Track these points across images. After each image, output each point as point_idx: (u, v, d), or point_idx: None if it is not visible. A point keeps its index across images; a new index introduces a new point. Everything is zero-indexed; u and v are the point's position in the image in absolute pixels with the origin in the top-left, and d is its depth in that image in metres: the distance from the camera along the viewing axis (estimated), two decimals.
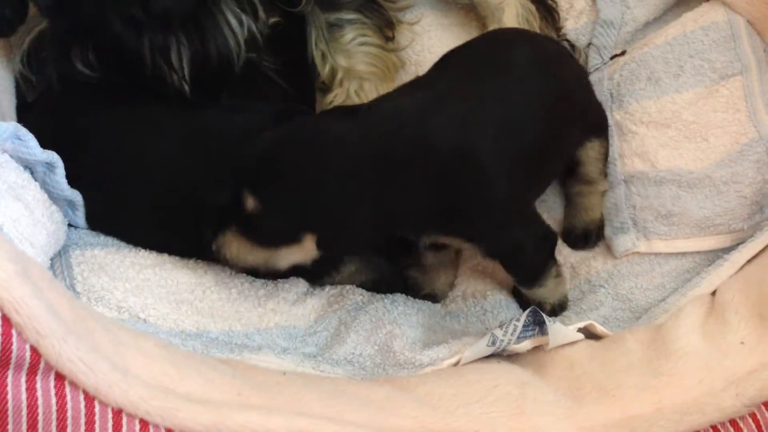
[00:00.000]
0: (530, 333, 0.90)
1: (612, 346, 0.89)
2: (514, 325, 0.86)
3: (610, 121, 1.09)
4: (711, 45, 1.10)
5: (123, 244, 0.91)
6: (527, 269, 0.96)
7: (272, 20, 0.96)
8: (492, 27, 1.20)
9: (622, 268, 1.02)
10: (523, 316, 0.86)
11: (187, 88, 0.90)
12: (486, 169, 0.84)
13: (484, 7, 1.22)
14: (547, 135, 0.91)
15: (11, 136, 0.75)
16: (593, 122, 1.04)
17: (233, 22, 0.90)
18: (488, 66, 0.93)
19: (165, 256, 0.91)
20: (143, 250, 0.91)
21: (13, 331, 0.55)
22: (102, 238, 0.92)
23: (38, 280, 0.58)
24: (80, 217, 0.92)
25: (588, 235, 1.05)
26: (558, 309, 1.01)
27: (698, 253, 1.02)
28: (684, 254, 1.01)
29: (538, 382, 0.83)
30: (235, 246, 0.81)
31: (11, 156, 0.77)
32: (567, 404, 0.80)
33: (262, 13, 0.94)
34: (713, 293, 0.96)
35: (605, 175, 1.05)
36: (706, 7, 1.15)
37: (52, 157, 0.82)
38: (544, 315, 0.86)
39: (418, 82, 0.94)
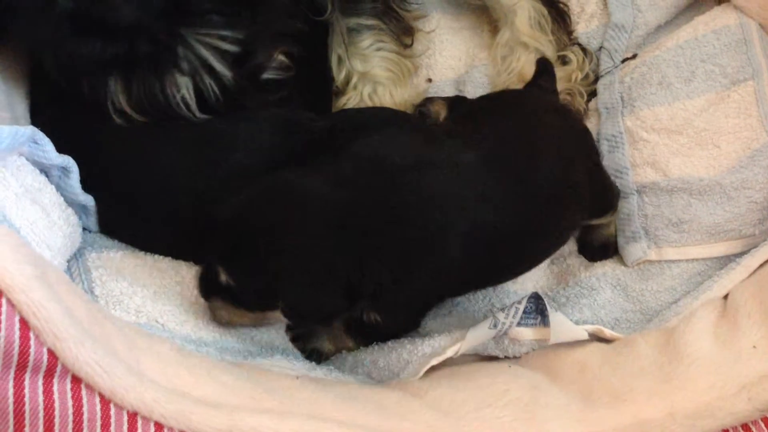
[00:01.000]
0: (532, 321, 0.90)
1: (624, 351, 0.89)
2: (516, 307, 0.87)
3: (621, 128, 1.09)
4: (722, 49, 1.09)
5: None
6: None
7: (279, 58, 0.94)
8: (504, 30, 1.21)
9: (635, 272, 1.02)
10: (524, 300, 0.87)
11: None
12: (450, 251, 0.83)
13: (496, 9, 1.22)
14: (534, 224, 0.89)
15: (28, 140, 0.76)
16: (600, 206, 1.02)
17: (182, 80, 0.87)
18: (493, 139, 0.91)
19: (181, 262, 0.92)
20: (155, 254, 0.91)
21: (31, 335, 0.55)
22: (114, 241, 0.93)
23: (55, 283, 0.59)
24: (93, 222, 0.92)
25: (606, 248, 1.05)
26: None
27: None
28: (695, 258, 1.01)
29: (549, 387, 0.83)
30: (224, 312, 0.82)
31: (27, 159, 0.77)
32: (578, 408, 0.80)
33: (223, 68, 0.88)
34: (725, 297, 0.96)
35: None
36: (717, 11, 1.14)
37: (68, 161, 0.82)
38: (546, 303, 0.87)
39: (398, 138, 0.91)
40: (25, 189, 0.74)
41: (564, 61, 1.19)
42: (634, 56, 1.18)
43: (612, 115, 1.11)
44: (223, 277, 0.78)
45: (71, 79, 0.85)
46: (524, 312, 0.88)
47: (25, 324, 0.55)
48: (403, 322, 0.93)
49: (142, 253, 0.91)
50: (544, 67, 1.08)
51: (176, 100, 0.84)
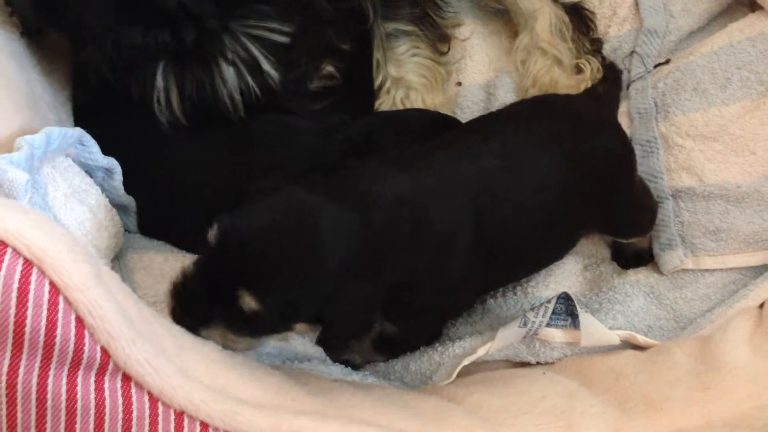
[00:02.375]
0: (562, 323, 0.90)
1: (659, 359, 0.89)
2: (546, 307, 0.87)
3: (656, 134, 1.08)
4: (758, 56, 1.09)
5: (175, 249, 0.93)
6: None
7: (326, 69, 0.94)
8: (523, 35, 1.21)
9: (670, 279, 1.01)
10: (554, 300, 0.87)
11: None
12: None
13: (517, 14, 1.23)
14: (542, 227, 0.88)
15: (76, 142, 0.77)
16: (634, 229, 0.99)
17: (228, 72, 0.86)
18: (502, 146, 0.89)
19: None
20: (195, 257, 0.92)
21: (86, 333, 0.56)
22: (153, 242, 0.94)
23: (108, 282, 0.60)
24: (132, 222, 0.94)
25: (640, 257, 1.05)
26: None
27: None
28: (732, 267, 1.01)
29: (585, 394, 0.83)
30: (221, 338, 0.75)
31: (74, 161, 0.79)
32: (615, 416, 0.80)
33: (269, 68, 0.88)
34: (761, 306, 0.95)
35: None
36: (752, 18, 1.14)
37: (112, 162, 0.84)
38: (575, 304, 0.87)
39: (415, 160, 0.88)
40: (73, 190, 0.75)
41: (578, 69, 1.20)
42: (667, 61, 1.18)
43: (645, 120, 1.11)
44: (249, 303, 0.71)
45: (119, 74, 0.85)
46: (554, 312, 0.88)
47: (80, 322, 0.56)
48: (420, 330, 0.92)
49: (182, 255, 0.92)
50: (612, 75, 1.07)
51: (223, 93, 0.84)
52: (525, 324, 0.88)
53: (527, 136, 0.89)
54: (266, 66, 0.87)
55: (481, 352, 0.89)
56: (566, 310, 0.89)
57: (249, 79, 0.86)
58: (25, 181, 0.64)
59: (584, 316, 0.89)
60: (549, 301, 0.88)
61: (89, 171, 0.83)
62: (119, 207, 0.89)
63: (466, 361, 0.89)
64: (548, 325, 0.88)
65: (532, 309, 0.90)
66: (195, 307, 0.72)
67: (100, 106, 0.98)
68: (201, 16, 0.80)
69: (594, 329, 0.89)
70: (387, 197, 0.79)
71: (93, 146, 0.80)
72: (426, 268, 0.80)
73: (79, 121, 0.98)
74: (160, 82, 0.85)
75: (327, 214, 0.75)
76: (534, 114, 0.95)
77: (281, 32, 0.87)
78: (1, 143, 0.77)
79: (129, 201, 0.89)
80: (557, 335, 0.90)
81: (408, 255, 0.78)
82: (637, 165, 1.06)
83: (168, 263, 0.90)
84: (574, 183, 0.87)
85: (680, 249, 1.01)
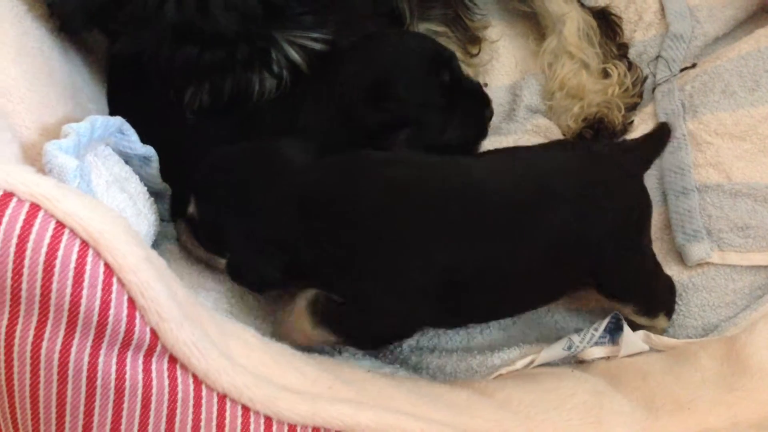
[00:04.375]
0: (602, 340, 0.91)
1: (685, 361, 0.89)
2: (592, 333, 0.87)
3: (684, 131, 1.09)
4: None
5: None
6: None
7: None
8: (551, 38, 1.23)
9: (697, 280, 1.01)
10: (602, 325, 0.87)
11: None
12: None
13: (545, 18, 1.25)
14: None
15: (117, 130, 0.78)
16: (648, 304, 0.93)
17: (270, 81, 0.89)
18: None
19: None
20: None
21: (137, 314, 0.58)
22: None
23: (158, 266, 0.61)
24: (166, 210, 0.95)
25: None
26: None
27: None
28: (758, 268, 1.01)
29: (613, 393, 0.83)
30: (185, 237, 0.87)
31: (113, 149, 0.80)
32: (643, 415, 0.80)
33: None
34: None
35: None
36: None
37: (150, 151, 0.85)
38: (624, 323, 0.87)
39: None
40: (114, 178, 0.77)
41: (605, 74, 1.20)
42: (693, 65, 1.19)
43: (673, 120, 1.11)
44: (191, 208, 0.83)
45: (164, 81, 0.88)
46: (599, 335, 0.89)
47: (132, 303, 0.57)
48: (362, 323, 0.84)
49: None
50: (659, 134, 1.03)
51: (260, 94, 0.87)
52: (569, 348, 0.89)
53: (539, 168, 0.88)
54: (303, 65, 0.89)
55: (519, 365, 0.90)
56: (605, 327, 0.90)
57: (286, 75, 0.89)
58: (75, 167, 0.65)
59: (627, 333, 0.89)
60: (596, 328, 0.88)
61: (127, 159, 0.84)
62: (154, 195, 0.90)
63: (503, 371, 0.90)
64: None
65: (577, 333, 0.90)
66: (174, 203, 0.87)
67: (136, 96, 1.00)
68: (254, 37, 0.84)
69: (630, 341, 0.90)
70: (363, 173, 0.82)
71: (132, 135, 0.82)
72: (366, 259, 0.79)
73: (114, 112, 0.99)
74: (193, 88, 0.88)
75: (277, 158, 0.83)
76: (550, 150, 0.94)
77: (322, 40, 0.89)
78: (46, 131, 0.78)
79: (165, 189, 0.90)
80: (596, 352, 0.91)
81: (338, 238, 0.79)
82: (665, 159, 1.07)
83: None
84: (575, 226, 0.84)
85: (706, 242, 1.01)
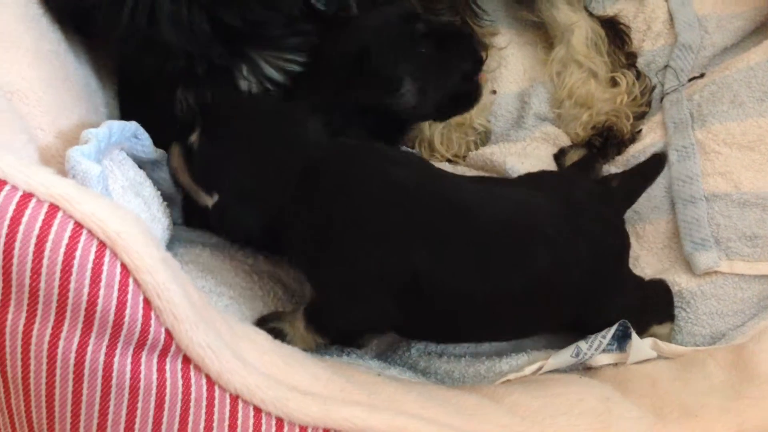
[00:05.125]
0: (610, 348, 0.91)
1: (693, 369, 0.90)
2: (600, 340, 0.88)
3: (692, 140, 1.09)
4: None
5: (221, 242, 0.95)
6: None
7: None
8: (559, 47, 1.23)
9: (705, 289, 1.01)
10: (610, 333, 0.87)
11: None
12: None
13: (554, 27, 1.25)
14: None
15: (132, 135, 0.79)
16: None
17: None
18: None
19: (261, 261, 0.95)
20: (241, 251, 0.94)
21: (152, 314, 0.58)
22: (198, 233, 0.96)
23: (173, 267, 0.62)
24: (177, 214, 0.96)
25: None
26: None
27: None
28: (766, 278, 1.01)
29: (621, 399, 0.84)
30: (176, 161, 0.88)
31: (127, 153, 0.81)
32: (651, 422, 0.81)
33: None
34: None
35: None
36: None
37: (162, 155, 0.86)
38: (632, 331, 0.87)
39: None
40: (130, 182, 0.78)
41: (614, 83, 1.21)
42: (702, 75, 1.19)
43: (681, 129, 1.12)
44: (193, 137, 0.84)
45: (143, 84, 0.91)
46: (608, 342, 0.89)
47: (147, 304, 0.58)
48: (332, 308, 0.86)
49: (227, 249, 0.94)
50: (652, 164, 1.03)
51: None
52: (577, 355, 0.89)
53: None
54: (283, 80, 0.91)
55: (527, 371, 0.91)
56: (612, 335, 0.90)
57: (268, 87, 0.91)
58: (99, 173, 0.67)
59: (635, 341, 0.90)
60: (604, 335, 0.88)
61: (140, 164, 0.85)
62: (167, 200, 0.91)
63: (511, 377, 0.91)
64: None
65: (585, 340, 0.91)
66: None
67: (146, 101, 1.01)
68: (211, 55, 0.85)
69: (638, 349, 0.90)
70: (368, 167, 0.84)
71: (146, 139, 0.83)
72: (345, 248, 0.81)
73: (125, 116, 1.00)
74: (179, 95, 0.90)
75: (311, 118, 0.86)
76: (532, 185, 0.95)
77: (297, 62, 0.92)
78: (61, 133, 0.79)
79: (177, 193, 0.91)
80: (604, 359, 0.91)
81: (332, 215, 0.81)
82: (673, 168, 1.08)
83: (214, 257, 0.92)
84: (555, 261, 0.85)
85: (714, 251, 1.01)
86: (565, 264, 0.86)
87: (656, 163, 1.03)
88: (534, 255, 0.84)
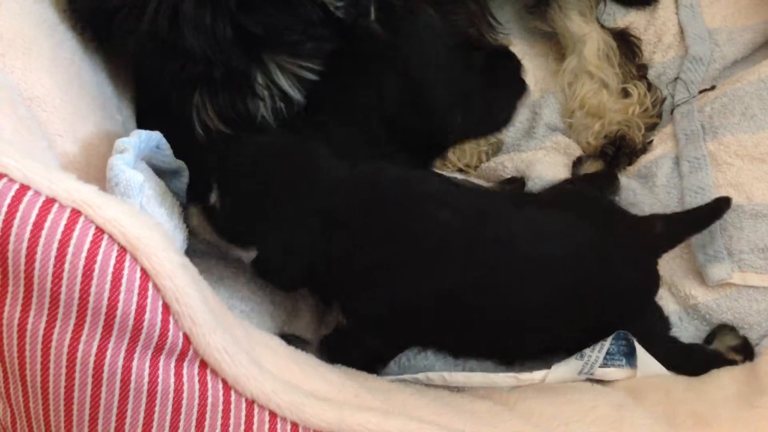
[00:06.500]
0: (618, 362, 0.91)
1: (707, 379, 0.90)
2: (602, 344, 0.88)
3: (704, 151, 1.10)
4: None
5: None
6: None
7: None
8: (571, 58, 1.24)
9: (721, 302, 1.01)
10: (610, 338, 0.88)
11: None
12: None
13: (566, 38, 1.26)
14: None
15: (155, 145, 0.80)
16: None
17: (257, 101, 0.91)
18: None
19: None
20: None
21: (171, 319, 0.59)
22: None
23: (193, 273, 0.62)
24: None
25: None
26: None
27: None
28: None
29: (634, 407, 0.84)
30: (196, 220, 0.86)
31: (147, 163, 0.82)
32: (664, 429, 0.81)
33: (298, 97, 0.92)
34: None
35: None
36: None
37: (182, 165, 0.87)
38: (635, 342, 0.88)
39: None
40: (154, 192, 0.78)
41: (625, 93, 1.22)
42: (713, 88, 1.20)
43: (693, 140, 1.12)
44: (213, 197, 0.83)
45: (161, 91, 0.91)
46: (608, 353, 0.89)
47: (166, 308, 0.59)
48: (360, 337, 0.88)
49: (241, 261, 0.93)
50: (715, 207, 0.99)
51: (257, 114, 0.89)
52: (582, 356, 0.89)
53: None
54: (296, 95, 0.91)
55: (537, 375, 0.90)
56: (619, 350, 0.91)
57: (279, 103, 0.91)
58: (141, 182, 0.67)
59: (641, 354, 0.90)
60: (605, 339, 0.89)
61: (160, 173, 0.85)
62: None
63: (523, 377, 0.90)
64: (604, 365, 0.89)
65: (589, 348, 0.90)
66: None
67: (164, 110, 1.02)
68: (229, 59, 0.85)
69: (648, 365, 0.90)
70: (390, 182, 0.85)
71: (167, 149, 0.83)
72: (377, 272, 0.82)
73: (144, 125, 1.01)
74: (197, 101, 0.90)
75: (322, 152, 0.85)
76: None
77: (312, 70, 0.91)
78: (78, 140, 0.80)
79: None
80: (613, 374, 0.91)
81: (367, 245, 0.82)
82: (685, 179, 1.08)
83: (228, 268, 0.92)
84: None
85: (727, 262, 1.01)
86: (594, 302, 0.89)
87: (721, 205, 0.98)
88: (566, 290, 0.87)
